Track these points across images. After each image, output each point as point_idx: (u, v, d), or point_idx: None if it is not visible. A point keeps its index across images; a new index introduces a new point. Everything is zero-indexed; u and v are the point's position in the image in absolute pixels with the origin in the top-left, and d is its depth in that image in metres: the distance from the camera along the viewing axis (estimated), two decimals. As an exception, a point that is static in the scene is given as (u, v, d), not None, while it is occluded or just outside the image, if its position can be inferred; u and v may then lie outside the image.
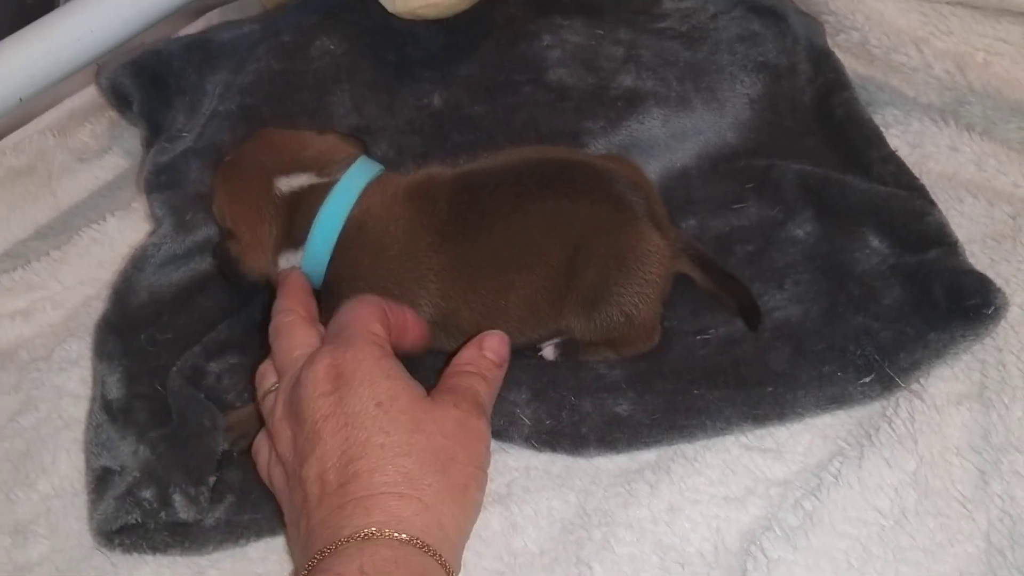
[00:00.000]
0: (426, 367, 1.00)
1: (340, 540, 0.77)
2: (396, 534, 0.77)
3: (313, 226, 1.02)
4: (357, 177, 1.04)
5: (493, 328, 1.00)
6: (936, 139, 1.21)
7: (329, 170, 1.04)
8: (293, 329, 0.95)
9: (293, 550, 0.90)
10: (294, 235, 1.03)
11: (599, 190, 1.02)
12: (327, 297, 1.03)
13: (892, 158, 1.15)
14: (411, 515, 0.78)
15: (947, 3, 1.30)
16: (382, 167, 1.08)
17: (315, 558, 0.78)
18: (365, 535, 0.77)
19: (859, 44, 1.32)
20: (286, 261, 1.05)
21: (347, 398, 0.84)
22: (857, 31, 1.32)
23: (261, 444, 0.95)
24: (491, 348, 0.97)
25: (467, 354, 0.96)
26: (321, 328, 0.96)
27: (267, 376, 0.96)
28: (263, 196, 1.03)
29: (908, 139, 1.22)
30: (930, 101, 1.26)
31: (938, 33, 1.29)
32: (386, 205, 1.03)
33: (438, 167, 1.09)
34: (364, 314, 0.93)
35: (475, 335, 0.99)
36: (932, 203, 1.08)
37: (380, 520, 0.78)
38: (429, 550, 0.77)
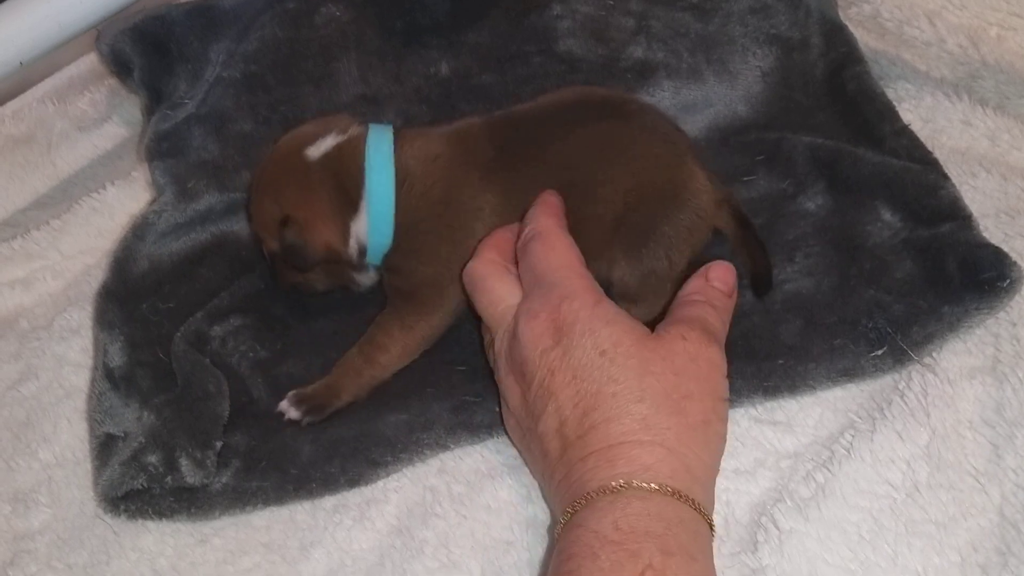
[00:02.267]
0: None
1: (590, 493, 0.76)
2: (645, 483, 0.74)
3: (366, 177, 1.00)
4: (381, 128, 1.03)
5: None
6: (949, 113, 1.20)
7: (346, 127, 1.03)
8: (491, 281, 0.92)
9: (548, 502, 0.90)
10: (348, 193, 1.00)
11: (649, 122, 1.03)
12: (398, 255, 1.02)
13: (905, 132, 1.14)
14: (655, 462, 0.76)
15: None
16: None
17: (568, 511, 0.77)
18: (613, 488, 0.75)
19: (871, 17, 1.31)
20: (354, 228, 1.01)
21: (571, 350, 0.83)
22: (869, 4, 1.32)
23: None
24: (718, 277, 0.92)
25: (693, 284, 0.92)
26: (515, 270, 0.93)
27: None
28: (298, 169, 1.01)
29: (920, 113, 1.21)
30: (943, 75, 1.24)
31: (951, 7, 1.28)
32: (424, 149, 1.02)
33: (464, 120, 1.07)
34: (561, 258, 0.90)
35: None
36: (945, 177, 1.07)
37: (626, 471, 0.76)
38: (681, 496, 0.75)
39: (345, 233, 1.01)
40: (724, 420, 0.82)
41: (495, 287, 0.92)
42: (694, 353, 0.82)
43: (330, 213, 1.00)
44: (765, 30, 1.24)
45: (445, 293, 1.01)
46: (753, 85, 1.23)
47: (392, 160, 1.00)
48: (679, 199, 1.00)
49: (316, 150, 1.01)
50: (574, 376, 0.82)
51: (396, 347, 1.00)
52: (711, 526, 0.77)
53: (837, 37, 1.25)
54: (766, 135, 1.18)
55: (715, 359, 0.84)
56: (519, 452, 0.91)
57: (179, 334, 1.07)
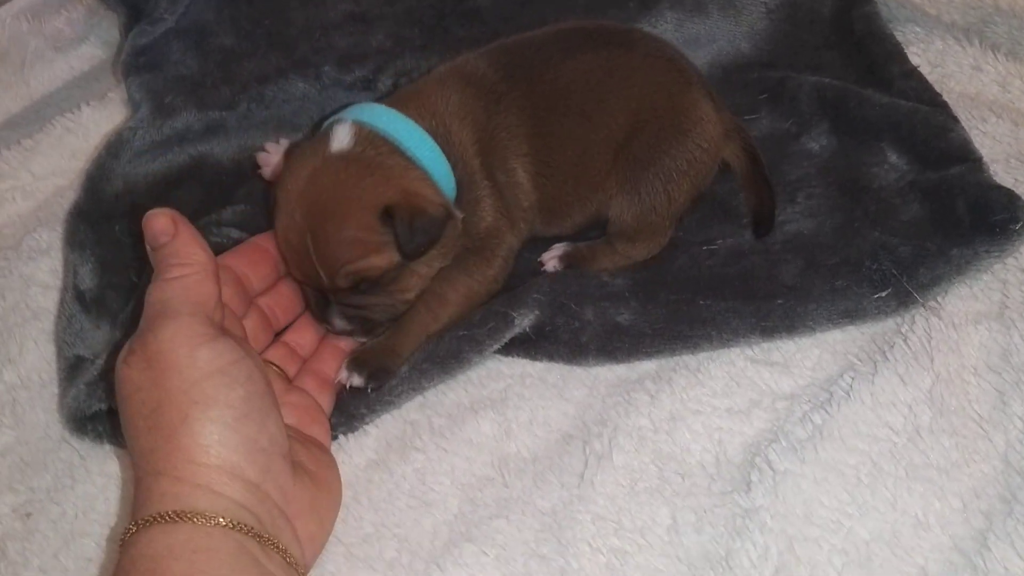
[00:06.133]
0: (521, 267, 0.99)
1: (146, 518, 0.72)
2: (149, 518, 0.70)
3: (401, 143, 0.91)
4: (367, 105, 0.95)
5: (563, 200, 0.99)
6: (959, 58, 1.16)
7: (328, 128, 0.93)
8: None
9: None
10: (402, 158, 0.91)
11: (654, 49, 1.00)
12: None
13: (914, 74, 1.10)
14: (158, 491, 0.72)
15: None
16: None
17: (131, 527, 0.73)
18: (146, 520, 0.71)
19: (881, -41, 1.26)
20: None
21: None
22: (880, -54, 1.27)
23: None
24: None
25: None
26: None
27: None
28: (344, 167, 0.89)
29: (929, 58, 1.17)
30: (953, 20, 1.21)
31: (964, -50, 1.24)
32: (424, 97, 0.96)
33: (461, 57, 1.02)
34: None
35: (565, 211, 0.99)
36: (955, 119, 1.03)
37: (147, 507, 0.71)
38: (171, 517, 0.70)
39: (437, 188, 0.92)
40: (210, 401, 0.73)
41: None
42: (144, 359, 0.74)
43: (412, 176, 0.90)
44: (773, -35, 1.20)
45: (504, 240, 0.97)
46: (758, 22, 1.19)
47: (405, 117, 0.93)
48: (680, 128, 0.96)
49: (337, 144, 0.90)
50: None
51: (460, 297, 0.95)
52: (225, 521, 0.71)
53: (846, -25, 1.20)
54: (769, 73, 1.15)
55: (166, 346, 0.74)
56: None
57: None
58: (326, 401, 0.91)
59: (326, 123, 0.95)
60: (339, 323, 0.92)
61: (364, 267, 0.89)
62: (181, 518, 0.70)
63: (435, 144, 0.92)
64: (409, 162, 0.90)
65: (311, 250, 0.88)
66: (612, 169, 0.97)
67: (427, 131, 0.92)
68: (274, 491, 0.75)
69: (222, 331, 0.77)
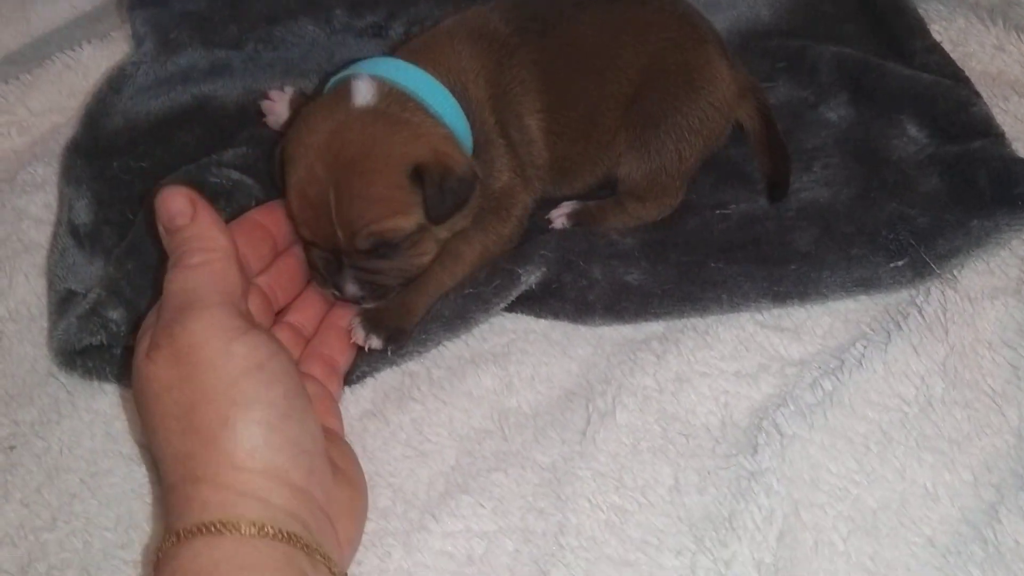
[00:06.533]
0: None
1: (179, 532, 0.66)
2: (194, 528, 0.65)
3: (419, 94, 0.87)
4: (382, 59, 0.91)
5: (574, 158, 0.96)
6: (982, 37, 1.14)
7: (346, 83, 0.88)
8: None
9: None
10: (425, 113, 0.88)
11: (668, 4, 0.98)
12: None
13: (936, 48, 1.09)
14: (197, 502, 0.66)
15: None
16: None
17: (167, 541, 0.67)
18: (188, 532, 0.65)
19: (903, -63, 1.24)
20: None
21: None
22: (904, -77, 1.24)
23: None
24: None
25: None
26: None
27: None
28: (369, 121, 0.85)
29: (951, 36, 1.15)
30: (977, 0, 1.18)
31: (990, -68, 1.22)
32: (438, 51, 0.93)
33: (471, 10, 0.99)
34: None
35: (576, 170, 0.96)
36: (977, 94, 1.01)
37: (187, 518, 0.66)
38: (219, 528, 0.65)
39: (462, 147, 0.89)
40: (250, 401, 0.68)
41: None
42: (173, 355, 0.68)
43: (438, 134, 0.87)
44: (795, -68, 1.17)
45: (519, 199, 0.94)
46: (779, -11, 1.17)
47: (424, 72, 0.89)
48: (693, 84, 0.94)
49: (361, 99, 0.86)
50: None
51: (475, 255, 0.92)
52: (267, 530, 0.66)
53: (869, -53, 1.18)
54: (789, 42, 1.12)
55: (198, 339, 0.68)
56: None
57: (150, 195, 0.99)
58: (335, 388, 0.86)
59: (337, 77, 0.91)
60: (351, 288, 0.87)
61: (388, 228, 0.85)
62: (227, 529, 0.64)
63: (455, 101, 0.89)
64: (435, 120, 0.87)
65: (331, 207, 0.83)
66: (622, 126, 0.94)
67: (446, 87, 0.89)
68: (319, 494, 0.70)
69: (253, 323, 0.73)
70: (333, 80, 0.91)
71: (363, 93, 0.86)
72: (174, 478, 0.67)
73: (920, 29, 1.11)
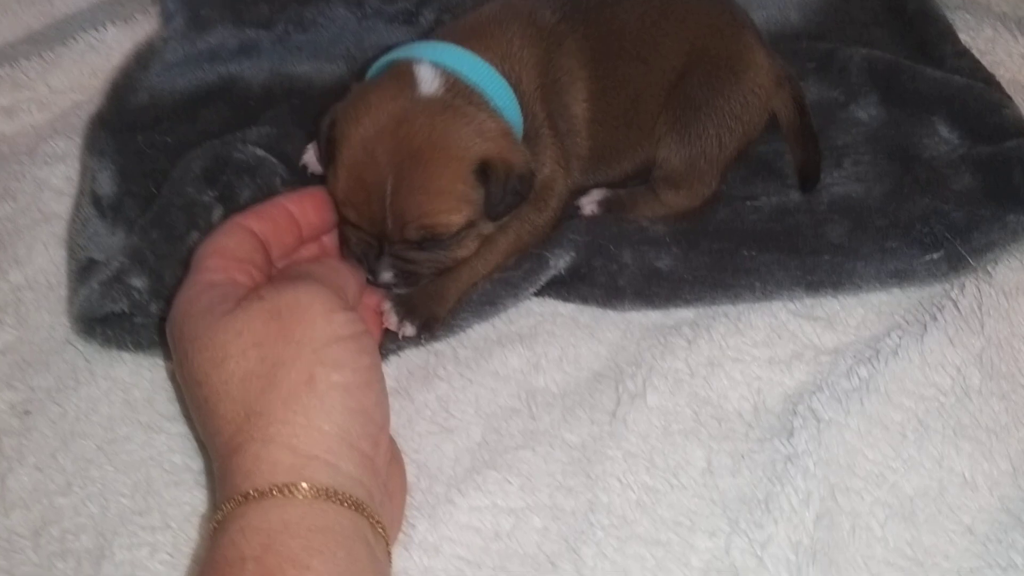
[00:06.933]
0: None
1: (236, 497, 0.64)
2: (265, 489, 0.64)
3: (482, 88, 0.86)
4: (440, 46, 0.88)
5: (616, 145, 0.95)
6: (1009, 47, 1.15)
7: (407, 67, 0.86)
8: None
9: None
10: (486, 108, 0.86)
11: None
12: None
13: (967, 53, 1.09)
14: (268, 464, 0.65)
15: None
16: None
17: (220, 510, 0.65)
18: (244, 496, 0.64)
19: (931, -51, 1.25)
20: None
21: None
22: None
23: None
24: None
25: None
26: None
27: None
28: (438, 113, 0.83)
29: (979, 45, 1.15)
30: (1004, 11, 1.19)
31: (1014, -54, 1.23)
32: (488, 37, 0.91)
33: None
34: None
35: (614, 158, 0.95)
36: (1009, 97, 1.01)
37: (247, 482, 0.64)
38: (308, 491, 0.64)
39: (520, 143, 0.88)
40: (339, 366, 0.68)
41: None
42: (274, 308, 0.69)
43: (502, 130, 0.85)
44: (826, -63, 1.18)
45: (557, 188, 0.93)
46: (809, -6, 1.17)
47: (484, 61, 0.88)
48: (734, 70, 0.94)
49: (427, 87, 0.84)
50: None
51: (510, 243, 0.90)
52: (359, 506, 0.66)
53: (899, -45, 1.19)
54: (818, 44, 1.12)
55: (304, 300, 0.70)
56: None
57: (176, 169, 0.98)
58: None
59: (390, 58, 0.88)
60: (386, 275, 0.85)
61: (440, 222, 0.83)
62: (297, 491, 0.64)
63: (512, 93, 0.88)
64: (497, 114, 0.86)
65: (387, 194, 0.81)
66: (663, 112, 0.94)
67: (504, 77, 0.88)
68: (382, 466, 0.70)
69: (352, 309, 0.74)
70: (385, 60, 0.89)
71: (428, 81, 0.84)
72: (242, 437, 0.66)
73: (950, 35, 1.11)
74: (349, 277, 0.79)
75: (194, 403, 0.71)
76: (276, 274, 0.75)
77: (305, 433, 0.66)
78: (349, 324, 0.70)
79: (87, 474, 0.81)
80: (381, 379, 0.72)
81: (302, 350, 0.68)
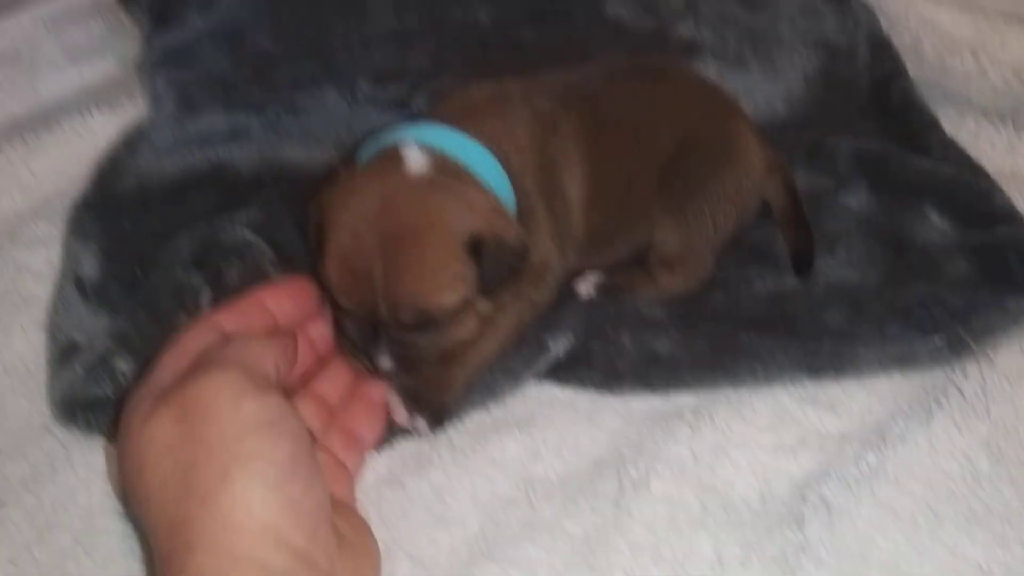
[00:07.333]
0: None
1: None
2: None
3: (467, 163, 0.85)
4: (426, 124, 0.88)
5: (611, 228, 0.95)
6: (992, 139, 1.16)
7: (394, 148, 0.85)
8: None
9: None
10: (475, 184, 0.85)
11: (701, 81, 1.02)
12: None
13: (952, 144, 1.10)
14: (189, 571, 0.62)
15: (1003, 16, 1.28)
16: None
17: None
18: None
19: (911, 47, 1.27)
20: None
21: None
22: (909, 34, 1.28)
23: None
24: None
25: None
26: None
27: None
28: (426, 192, 0.81)
29: (963, 137, 1.16)
30: (985, 104, 1.21)
31: (994, 45, 1.25)
32: (479, 118, 0.90)
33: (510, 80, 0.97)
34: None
35: (609, 241, 0.95)
36: (997, 185, 1.03)
37: None
38: None
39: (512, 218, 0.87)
40: (253, 456, 0.65)
41: None
42: (179, 409, 0.66)
43: (491, 205, 0.84)
44: (814, 33, 1.21)
45: (552, 268, 0.92)
46: (795, 86, 1.19)
47: (473, 140, 0.87)
48: (728, 154, 0.95)
49: (414, 167, 0.83)
50: None
51: (511, 322, 0.88)
52: None
53: (884, 52, 1.22)
54: (805, 133, 1.14)
55: (206, 395, 0.67)
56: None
57: (164, 251, 0.96)
58: (352, 460, 0.81)
59: (374, 140, 0.88)
60: (385, 361, 0.82)
61: (434, 303, 0.80)
62: None
63: (503, 171, 0.87)
64: (487, 190, 0.85)
65: (378, 278, 0.80)
66: (658, 196, 0.94)
67: (491, 152, 0.87)
68: (322, 559, 0.66)
69: (269, 387, 0.70)
70: (373, 144, 0.88)
71: (416, 160, 0.83)
72: (166, 549, 0.63)
73: (935, 126, 1.13)
74: (265, 352, 0.74)
75: (133, 514, 0.68)
76: (189, 365, 0.71)
77: (227, 536, 0.62)
78: (262, 411, 0.67)
79: (64, 568, 0.77)
80: (309, 464, 0.68)
81: (213, 448, 0.64)
